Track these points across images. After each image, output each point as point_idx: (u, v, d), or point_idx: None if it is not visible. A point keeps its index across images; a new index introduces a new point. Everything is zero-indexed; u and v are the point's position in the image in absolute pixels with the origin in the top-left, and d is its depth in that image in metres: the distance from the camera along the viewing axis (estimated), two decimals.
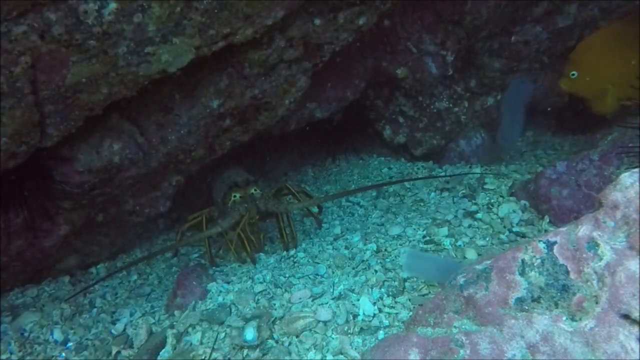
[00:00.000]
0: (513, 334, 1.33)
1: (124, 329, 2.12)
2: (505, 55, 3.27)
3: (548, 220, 2.28)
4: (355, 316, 1.88)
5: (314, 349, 1.76)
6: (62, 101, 1.94)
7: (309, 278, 2.19)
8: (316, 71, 2.63)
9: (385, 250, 2.30)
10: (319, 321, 1.85)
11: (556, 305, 1.33)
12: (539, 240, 1.41)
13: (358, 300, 1.94)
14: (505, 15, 3.09)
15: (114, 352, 1.99)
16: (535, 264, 1.39)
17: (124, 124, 2.34)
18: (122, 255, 2.96)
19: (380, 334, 1.78)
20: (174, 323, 2.03)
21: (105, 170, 2.31)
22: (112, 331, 2.12)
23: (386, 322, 1.84)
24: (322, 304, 1.94)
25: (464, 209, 2.52)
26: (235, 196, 2.48)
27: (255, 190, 2.50)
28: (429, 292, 1.95)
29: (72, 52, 1.80)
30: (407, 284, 2.03)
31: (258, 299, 2.03)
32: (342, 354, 1.72)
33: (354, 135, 3.79)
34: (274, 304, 2.00)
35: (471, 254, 2.16)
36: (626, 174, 1.37)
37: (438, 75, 3.15)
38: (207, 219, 2.66)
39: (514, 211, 2.41)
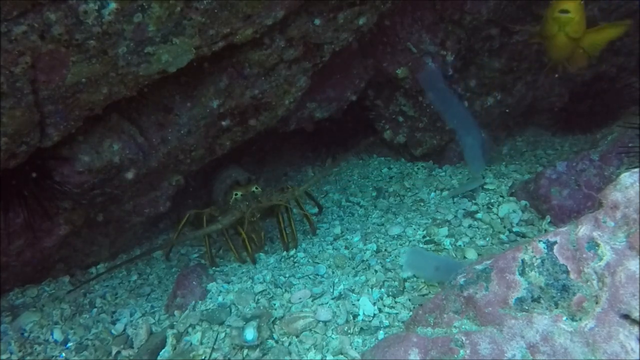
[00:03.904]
0: (513, 334, 1.33)
1: (124, 329, 2.12)
2: (505, 55, 3.27)
3: (548, 220, 2.28)
4: (355, 316, 1.88)
5: (314, 349, 1.76)
6: (62, 101, 1.94)
7: (309, 278, 2.19)
8: (316, 71, 2.63)
9: (385, 250, 2.30)
10: (319, 321, 1.85)
11: (556, 305, 1.33)
12: (539, 240, 1.41)
13: (358, 300, 1.94)
14: (505, 15, 3.08)
15: (114, 352, 1.99)
16: (535, 264, 1.39)
17: (124, 124, 2.34)
18: (122, 255, 2.96)
19: (380, 334, 1.78)
20: (174, 323, 2.03)
21: (105, 170, 2.31)
22: (112, 331, 2.12)
23: (386, 322, 1.84)
24: (322, 304, 1.94)
25: (464, 209, 2.52)
26: (236, 194, 2.49)
27: (256, 188, 2.50)
28: (429, 292, 1.95)
29: (72, 52, 1.80)
30: (407, 284, 2.03)
31: (258, 299, 2.03)
32: (342, 354, 1.72)
33: (354, 135, 3.79)
34: (274, 304, 2.00)
35: (471, 254, 2.16)
36: (626, 174, 1.37)
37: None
38: (208, 219, 2.66)
39: (514, 211, 2.41)
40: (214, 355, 1.79)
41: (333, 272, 2.22)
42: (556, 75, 2.76)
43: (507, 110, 3.47)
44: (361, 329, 1.81)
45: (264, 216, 2.56)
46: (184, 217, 2.69)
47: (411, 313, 1.84)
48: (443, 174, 3.20)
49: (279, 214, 2.54)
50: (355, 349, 1.72)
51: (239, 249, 2.53)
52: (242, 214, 2.40)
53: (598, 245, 1.32)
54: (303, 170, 3.94)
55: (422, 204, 2.83)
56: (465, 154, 2.89)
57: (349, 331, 1.81)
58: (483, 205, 2.52)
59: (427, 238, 2.33)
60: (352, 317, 1.87)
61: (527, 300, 1.36)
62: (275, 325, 1.87)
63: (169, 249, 2.87)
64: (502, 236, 2.29)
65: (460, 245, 2.23)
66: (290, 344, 1.80)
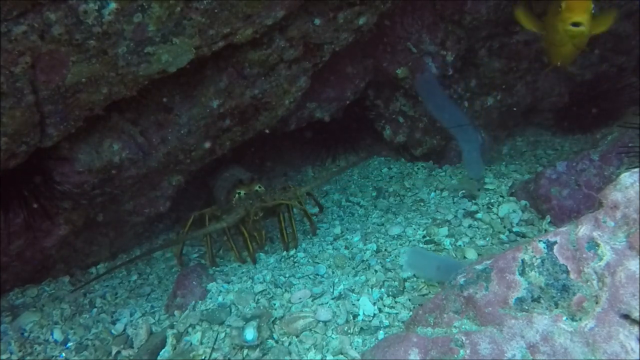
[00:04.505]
0: (513, 334, 1.33)
1: (124, 329, 2.12)
2: (505, 55, 3.27)
3: (548, 220, 2.28)
4: (355, 316, 1.88)
5: (314, 349, 1.76)
6: (62, 101, 1.94)
7: (309, 278, 2.19)
8: (316, 71, 2.63)
9: (385, 250, 2.30)
10: (319, 321, 1.85)
11: (556, 305, 1.33)
12: (539, 240, 1.41)
13: (358, 300, 1.94)
14: (506, 15, 3.08)
15: (114, 352, 1.99)
16: (535, 264, 1.39)
17: (124, 124, 2.34)
18: (122, 255, 2.96)
19: (380, 334, 1.78)
20: (174, 323, 2.03)
21: (105, 170, 2.31)
22: (112, 331, 2.12)
23: (386, 322, 1.84)
24: (322, 304, 1.94)
25: (464, 209, 2.52)
26: (239, 193, 2.49)
27: (259, 187, 2.50)
28: (429, 292, 1.95)
29: (72, 52, 1.80)
30: (407, 284, 2.03)
31: (258, 299, 2.03)
32: (342, 354, 1.72)
33: (354, 135, 3.79)
34: (274, 304, 2.00)
35: (471, 254, 2.16)
36: (626, 174, 1.37)
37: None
38: (211, 218, 2.66)
39: (514, 211, 2.41)
40: (214, 355, 1.79)
41: (333, 272, 2.22)
42: (558, 64, 2.68)
43: (514, 109, 3.45)
44: (361, 329, 1.81)
45: (265, 215, 2.56)
46: (190, 219, 2.69)
47: (411, 313, 1.83)
48: (443, 174, 3.20)
49: (280, 214, 2.54)
50: (355, 349, 1.72)
51: (239, 249, 2.53)
52: (246, 213, 2.40)
53: (598, 245, 1.33)
54: (303, 170, 3.94)
55: (422, 204, 2.83)
56: (464, 159, 2.88)
57: (349, 331, 1.81)
58: (483, 205, 2.52)
59: (427, 238, 2.33)
60: (352, 317, 1.87)
61: (527, 300, 1.36)
62: (275, 325, 1.87)
63: (180, 253, 2.79)
64: (502, 236, 2.29)
65: (460, 245, 2.23)
66: (290, 344, 1.80)
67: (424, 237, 2.35)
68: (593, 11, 2.30)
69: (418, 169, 3.41)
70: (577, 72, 3.43)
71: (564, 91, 3.56)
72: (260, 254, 2.57)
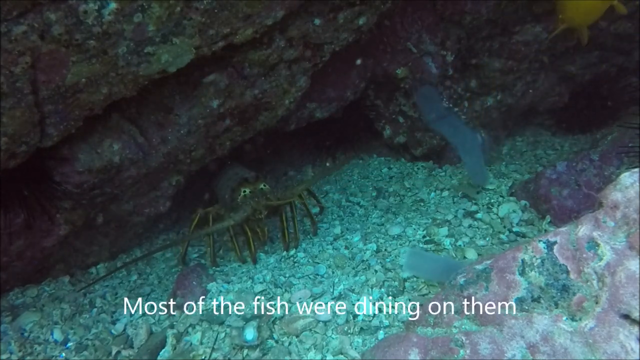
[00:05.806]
0: (513, 333, 1.33)
1: (124, 329, 2.12)
2: (505, 55, 3.27)
3: (548, 220, 2.28)
4: (355, 316, 1.88)
5: (314, 349, 1.76)
6: (62, 101, 1.94)
7: (309, 278, 2.19)
8: (316, 71, 2.63)
9: (385, 250, 2.30)
10: (319, 321, 1.85)
11: (556, 305, 1.33)
12: (539, 240, 1.42)
13: (358, 300, 1.94)
14: (506, 15, 3.08)
15: (114, 352, 2.00)
16: (535, 264, 1.39)
17: (124, 124, 2.34)
18: (122, 255, 2.96)
19: (380, 334, 1.78)
20: (174, 323, 2.03)
21: (105, 170, 2.31)
22: (112, 331, 2.12)
23: (386, 322, 1.84)
24: (322, 303, 1.94)
25: (464, 209, 2.52)
26: (245, 191, 2.49)
27: (264, 185, 2.51)
28: (429, 292, 1.95)
29: (72, 52, 1.80)
30: (407, 284, 2.03)
31: (258, 299, 2.03)
32: (342, 353, 1.72)
33: (354, 135, 3.79)
34: (274, 304, 2.00)
35: (471, 254, 2.16)
36: (626, 174, 1.37)
37: (438, 75, 3.15)
38: (214, 217, 2.66)
39: (514, 211, 2.41)
40: (214, 355, 1.79)
41: (333, 272, 2.22)
42: (574, 24, 2.33)
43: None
44: (361, 328, 1.81)
45: (268, 214, 2.57)
46: (195, 218, 2.69)
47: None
48: (443, 174, 3.20)
49: (282, 213, 2.54)
50: (355, 348, 1.72)
51: (240, 248, 2.53)
52: (253, 211, 2.41)
53: (598, 245, 1.33)
54: (303, 170, 3.94)
55: (422, 204, 2.83)
56: (468, 171, 2.89)
57: (349, 331, 1.81)
58: (483, 205, 2.52)
59: (427, 238, 2.33)
60: (352, 317, 1.87)
61: (527, 300, 1.36)
62: (275, 325, 1.87)
63: (185, 253, 2.79)
64: (502, 236, 2.29)
65: (460, 245, 2.23)
66: (290, 344, 1.80)
67: (424, 237, 2.35)
68: None
69: (418, 169, 3.41)
70: (577, 72, 3.42)
71: (564, 91, 3.56)
72: (261, 254, 2.57)
